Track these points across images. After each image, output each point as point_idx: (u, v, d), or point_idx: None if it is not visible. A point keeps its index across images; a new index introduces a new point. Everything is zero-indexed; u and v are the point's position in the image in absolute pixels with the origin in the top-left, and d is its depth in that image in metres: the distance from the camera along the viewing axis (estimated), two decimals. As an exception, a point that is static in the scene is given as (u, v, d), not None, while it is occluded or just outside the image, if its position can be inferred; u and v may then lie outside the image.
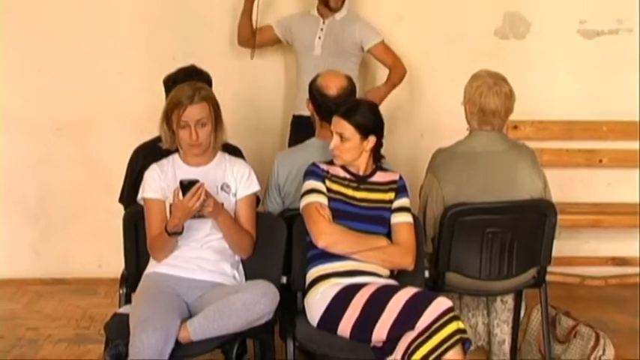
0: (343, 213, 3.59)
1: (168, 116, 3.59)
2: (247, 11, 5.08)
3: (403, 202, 3.69)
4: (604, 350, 4.20)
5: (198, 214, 3.49)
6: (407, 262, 3.61)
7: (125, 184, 4.23)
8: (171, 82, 4.06)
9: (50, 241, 5.55)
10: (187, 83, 3.68)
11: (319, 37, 5.02)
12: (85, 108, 5.41)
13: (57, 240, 5.55)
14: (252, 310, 3.34)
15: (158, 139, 3.80)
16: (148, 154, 3.98)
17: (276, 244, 3.73)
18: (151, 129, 3.97)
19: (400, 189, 3.70)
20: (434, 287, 3.87)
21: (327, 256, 3.55)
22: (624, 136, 5.51)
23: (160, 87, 4.13)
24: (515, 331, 4.21)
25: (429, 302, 3.28)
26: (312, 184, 3.61)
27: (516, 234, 3.92)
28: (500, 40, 5.44)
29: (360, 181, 3.66)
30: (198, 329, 3.29)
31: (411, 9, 5.42)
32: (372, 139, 3.61)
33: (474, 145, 3.98)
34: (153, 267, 3.63)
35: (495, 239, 3.88)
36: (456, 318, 3.27)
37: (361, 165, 3.65)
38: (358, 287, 3.45)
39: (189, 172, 3.58)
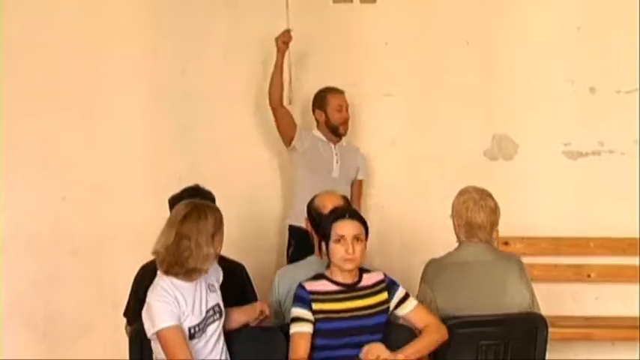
0: (334, 332, 3.56)
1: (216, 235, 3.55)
2: (279, 68, 5.10)
3: (401, 293, 3.73)
4: None
5: (212, 320, 3.53)
6: (444, 333, 3.70)
7: (130, 300, 4.20)
8: (177, 202, 4.08)
9: (58, 357, 5.43)
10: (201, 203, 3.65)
11: (337, 161, 5.13)
12: (98, 231, 5.43)
13: (65, 356, 5.42)
14: None
15: None
16: (155, 274, 3.95)
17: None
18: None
19: (390, 285, 3.72)
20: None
21: None
22: (611, 251, 5.49)
23: (166, 209, 4.16)
24: None
25: None
26: (297, 312, 3.56)
27: (509, 346, 3.89)
28: (489, 160, 5.51)
29: (350, 289, 3.61)
30: None
31: (404, 133, 5.50)
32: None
33: (464, 256, 4.02)
34: None
35: (489, 352, 3.85)
36: None
37: (356, 269, 3.64)
38: None
39: (189, 288, 3.51)
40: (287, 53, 5.11)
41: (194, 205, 3.57)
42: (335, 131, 5.16)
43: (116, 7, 5.39)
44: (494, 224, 4.02)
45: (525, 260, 4.34)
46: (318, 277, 3.64)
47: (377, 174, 5.50)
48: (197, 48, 5.44)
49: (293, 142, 5.14)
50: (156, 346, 3.51)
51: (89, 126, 5.43)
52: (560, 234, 5.42)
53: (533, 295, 4.04)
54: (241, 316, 3.74)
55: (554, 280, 5.39)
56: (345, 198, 4.13)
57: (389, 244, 5.23)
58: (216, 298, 3.61)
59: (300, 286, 3.60)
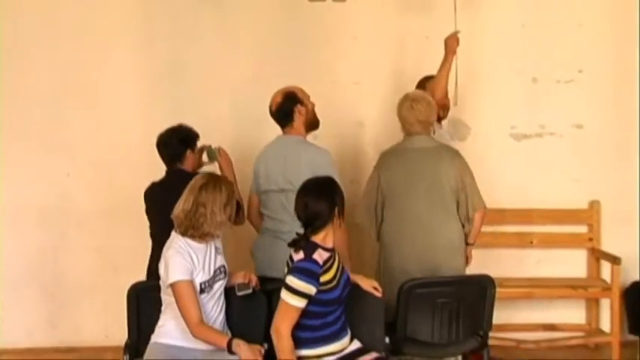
0: (330, 301, 3.44)
1: (228, 205, 3.56)
2: (449, 67, 4.65)
3: None
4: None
5: (219, 278, 3.59)
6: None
7: (150, 219, 4.27)
8: (163, 141, 4.26)
9: (64, 314, 5.50)
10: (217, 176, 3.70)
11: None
12: (100, 203, 5.46)
13: (70, 313, 5.50)
14: None
15: (173, 176, 4.12)
16: (170, 187, 4.03)
17: (258, 317, 3.70)
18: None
19: None
20: (394, 352, 3.85)
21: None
22: (551, 221, 5.54)
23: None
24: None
25: None
26: (303, 286, 3.33)
27: (462, 303, 3.95)
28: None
29: (334, 252, 3.53)
30: None
31: (370, 116, 5.49)
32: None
33: (406, 144, 4.28)
34: (159, 337, 3.57)
35: (445, 308, 3.92)
36: None
37: None
38: None
39: (201, 249, 3.55)
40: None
41: (211, 177, 3.61)
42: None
43: (115, 8, 5.40)
44: (424, 123, 4.22)
45: (475, 229, 4.41)
46: (313, 246, 3.42)
47: (348, 152, 5.50)
48: (187, 44, 5.43)
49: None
50: (165, 297, 3.56)
51: (91, 110, 5.45)
52: (506, 206, 5.44)
53: (469, 183, 4.20)
54: (234, 279, 3.76)
55: (501, 246, 5.44)
56: (284, 94, 4.16)
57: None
58: (222, 260, 3.67)
59: (314, 262, 3.37)
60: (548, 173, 5.55)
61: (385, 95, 5.44)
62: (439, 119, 4.88)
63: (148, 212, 4.28)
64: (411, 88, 5.38)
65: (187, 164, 4.28)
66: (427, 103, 4.26)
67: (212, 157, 4.36)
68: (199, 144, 4.36)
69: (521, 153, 5.56)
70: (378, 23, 5.50)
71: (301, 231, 3.48)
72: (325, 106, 5.17)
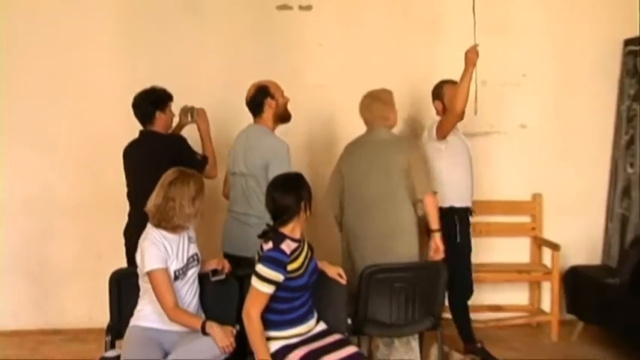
0: (298, 288, 3.49)
1: (197, 199, 3.57)
2: (470, 79, 4.52)
3: None
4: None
5: (192, 266, 3.62)
6: None
7: (125, 177, 4.33)
8: (135, 105, 4.29)
9: (50, 298, 5.51)
10: (187, 172, 3.66)
11: (469, 148, 4.98)
12: (83, 195, 5.47)
13: (55, 297, 5.52)
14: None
15: (144, 136, 4.18)
16: (139, 147, 4.17)
17: (230, 300, 3.75)
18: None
19: None
20: (355, 331, 3.94)
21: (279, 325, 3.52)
22: (499, 211, 5.63)
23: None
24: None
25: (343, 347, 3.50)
26: (271, 274, 3.38)
27: (417, 288, 4.05)
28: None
29: (303, 242, 3.59)
30: None
31: (334, 115, 5.52)
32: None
33: (367, 137, 4.40)
34: (137, 320, 3.62)
35: (402, 292, 4.04)
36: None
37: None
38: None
39: (175, 239, 3.59)
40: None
41: (180, 172, 3.62)
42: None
43: (101, 13, 5.41)
44: (380, 118, 4.33)
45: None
46: (281, 237, 3.46)
47: (316, 148, 5.55)
48: (167, 49, 5.45)
49: (448, 137, 4.74)
50: (143, 284, 3.62)
51: (75, 111, 5.47)
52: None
53: (419, 171, 4.23)
54: (208, 266, 3.84)
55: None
56: (256, 87, 4.27)
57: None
58: (194, 248, 3.73)
59: (281, 252, 3.41)
60: (496, 169, 5.65)
61: (347, 97, 5.47)
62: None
63: (124, 170, 4.33)
64: (370, 89, 5.47)
65: (159, 125, 4.30)
66: (383, 102, 4.37)
67: (193, 118, 4.52)
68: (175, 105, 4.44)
69: (472, 150, 5.61)
70: (340, 31, 5.57)
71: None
72: (293, 105, 5.24)
